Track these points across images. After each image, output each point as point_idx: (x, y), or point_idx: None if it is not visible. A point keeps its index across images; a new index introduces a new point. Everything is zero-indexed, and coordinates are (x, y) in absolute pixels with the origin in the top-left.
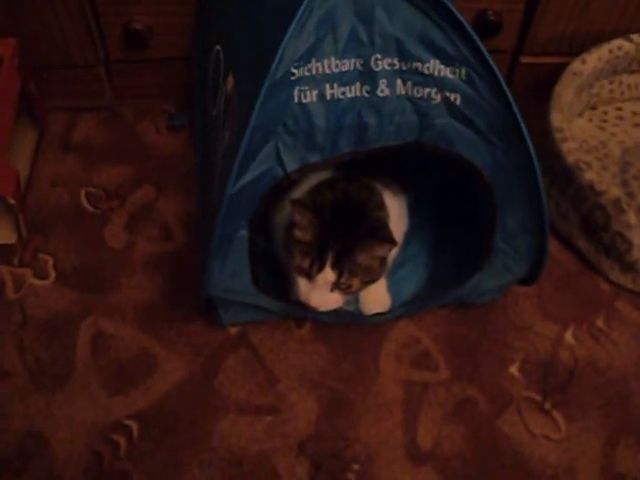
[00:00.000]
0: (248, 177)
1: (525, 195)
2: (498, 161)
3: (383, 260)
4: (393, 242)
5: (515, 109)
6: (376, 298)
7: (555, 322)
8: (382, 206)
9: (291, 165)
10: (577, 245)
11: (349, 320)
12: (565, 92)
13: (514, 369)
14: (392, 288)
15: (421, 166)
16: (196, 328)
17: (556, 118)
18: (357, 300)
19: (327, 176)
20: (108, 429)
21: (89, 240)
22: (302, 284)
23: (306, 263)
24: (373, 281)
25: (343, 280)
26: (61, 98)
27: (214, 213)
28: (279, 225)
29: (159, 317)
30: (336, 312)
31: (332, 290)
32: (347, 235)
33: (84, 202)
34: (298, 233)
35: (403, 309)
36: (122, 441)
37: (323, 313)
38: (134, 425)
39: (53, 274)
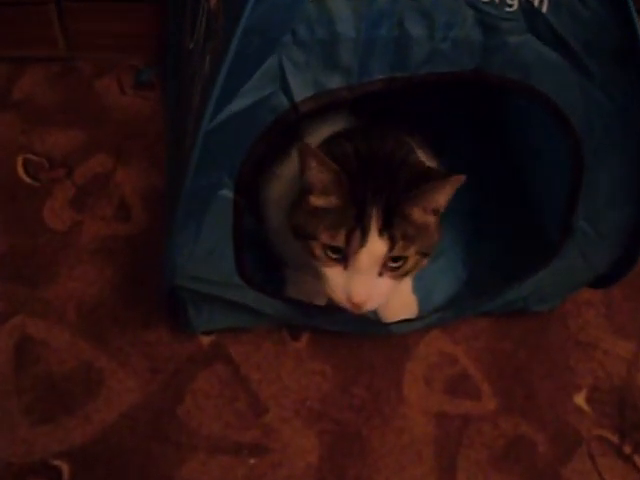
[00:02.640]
0: (236, 106)
1: (628, 153)
2: (594, 102)
3: (439, 213)
4: (457, 174)
5: (634, 16)
6: (399, 300)
7: (629, 338)
8: (416, 154)
9: (301, 92)
10: None
11: (362, 329)
12: None
13: (580, 399)
14: (420, 289)
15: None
16: (157, 336)
17: None
18: None
19: (341, 127)
20: (29, 472)
21: (23, 219)
22: (334, 276)
23: (340, 238)
24: (429, 250)
25: (397, 251)
26: (1, 46)
27: (184, 165)
28: (275, 200)
29: (108, 320)
30: (345, 317)
31: (380, 274)
32: (388, 186)
33: (20, 171)
34: (317, 200)
35: (434, 317)
36: None
37: (327, 320)
38: (64, 466)
39: None
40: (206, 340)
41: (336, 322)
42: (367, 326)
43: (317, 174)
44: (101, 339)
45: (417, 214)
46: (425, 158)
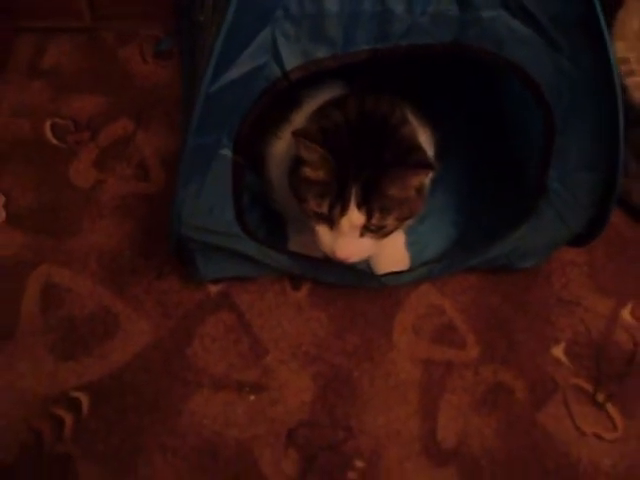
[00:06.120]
0: (233, 73)
1: (595, 118)
2: (562, 71)
3: (421, 188)
4: (430, 167)
5: None
6: (392, 254)
7: (609, 296)
8: (408, 121)
9: (291, 61)
10: (637, 205)
11: (356, 282)
12: (629, 19)
13: (559, 351)
14: (413, 245)
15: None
16: (169, 284)
17: (620, 48)
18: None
19: (337, 93)
20: (52, 402)
21: (50, 177)
22: (323, 233)
23: (324, 207)
24: (411, 216)
25: (374, 221)
26: (29, 18)
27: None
28: (276, 157)
29: (125, 269)
30: (341, 270)
31: (362, 235)
32: (371, 163)
33: (48, 134)
34: (308, 171)
35: (425, 270)
36: (68, 418)
37: (325, 272)
38: (84, 398)
39: (3, 214)
40: (214, 289)
41: (333, 274)
42: (361, 279)
43: (306, 154)
44: (119, 287)
45: (395, 191)
46: (416, 123)
